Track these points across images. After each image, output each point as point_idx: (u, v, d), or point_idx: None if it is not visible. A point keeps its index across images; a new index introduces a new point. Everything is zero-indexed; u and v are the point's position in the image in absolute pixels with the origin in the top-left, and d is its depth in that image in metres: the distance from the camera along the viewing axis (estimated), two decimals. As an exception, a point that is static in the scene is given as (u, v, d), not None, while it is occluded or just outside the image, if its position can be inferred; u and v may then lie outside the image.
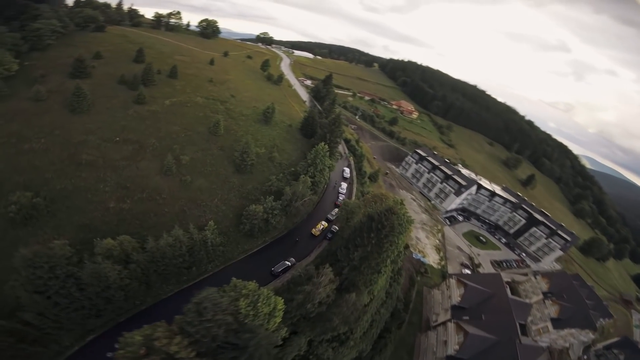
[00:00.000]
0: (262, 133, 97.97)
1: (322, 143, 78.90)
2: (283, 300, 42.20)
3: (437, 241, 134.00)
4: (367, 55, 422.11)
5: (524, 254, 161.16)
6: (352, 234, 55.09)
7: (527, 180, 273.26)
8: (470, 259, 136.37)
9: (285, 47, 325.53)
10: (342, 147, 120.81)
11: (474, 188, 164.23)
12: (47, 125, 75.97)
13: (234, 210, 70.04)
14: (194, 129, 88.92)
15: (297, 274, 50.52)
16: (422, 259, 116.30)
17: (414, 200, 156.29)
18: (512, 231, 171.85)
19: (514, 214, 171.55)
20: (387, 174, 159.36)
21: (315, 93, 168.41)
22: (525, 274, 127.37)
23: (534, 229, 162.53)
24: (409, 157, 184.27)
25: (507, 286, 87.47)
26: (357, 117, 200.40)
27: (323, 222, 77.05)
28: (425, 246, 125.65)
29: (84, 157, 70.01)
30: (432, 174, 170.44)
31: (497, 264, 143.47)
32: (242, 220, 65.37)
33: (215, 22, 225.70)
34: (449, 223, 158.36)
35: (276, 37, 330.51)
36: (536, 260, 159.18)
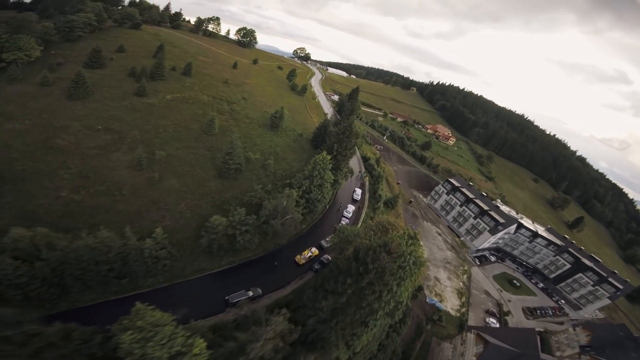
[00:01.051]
0: (263, 138, 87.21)
1: (324, 153, 65.36)
2: (206, 344, 28.88)
3: (461, 284, 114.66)
4: (406, 79, 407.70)
5: (562, 301, 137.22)
6: (329, 273, 40.78)
7: (575, 223, 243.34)
8: (499, 305, 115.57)
9: (321, 64, 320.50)
10: (357, 164, 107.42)
11: (513, 227, 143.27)
12: (39, 109, 75.23)
13: (201, 219, 58.17)
14: (186, 125, 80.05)
15: (244, 314, 36.74)
16: (437, 304, 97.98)
17: (440, 234, 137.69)
18: (552, 276, 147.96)
19: (558, 257, 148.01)
20: (410, 202, 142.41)
21: (339, 107, 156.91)
22: (562, 323, 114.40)
23: (580, 275, 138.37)
24: (440, 186, 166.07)
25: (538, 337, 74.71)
26: (385, 137, 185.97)
27: (313, 249, 63.33)
28: (445, 289, 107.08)
29: (58, 141, 66.39)
30: (465, 207, 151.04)
31: (529, 311, 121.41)
32: (202, 232, 52.90)
33: (253, 31, 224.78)
34: (478, 263, 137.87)
35: (318, 57, 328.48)
36: (576, 308, 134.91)
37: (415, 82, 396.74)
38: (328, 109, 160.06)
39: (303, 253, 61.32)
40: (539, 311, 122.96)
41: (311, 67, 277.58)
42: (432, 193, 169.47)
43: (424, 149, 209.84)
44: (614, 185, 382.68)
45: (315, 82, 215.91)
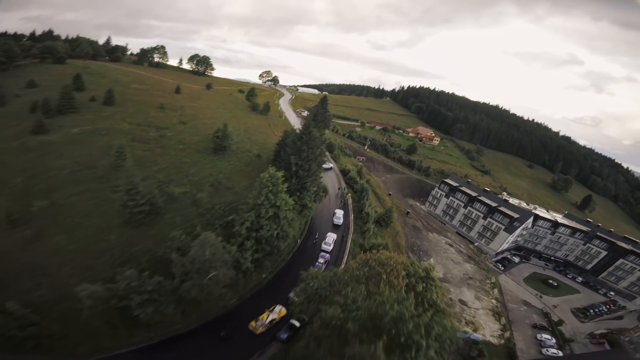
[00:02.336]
0: (201, 166, 65.82)
1: (272, 169, 43.67)
2: None
3: (494, 301, 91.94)
4: (378, 89, 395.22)
5: (611, 293, 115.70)
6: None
7: (584, 203, 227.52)
8: (546, 315, 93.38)
9: (292, 86, 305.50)
10: (336, 180, 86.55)
11: (529, 221, 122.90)
12: None
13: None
14: (91, 162, 58.48)
15: None
16: (472, 336, 74.93)
17: (451, 245, 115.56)
18: (589, 267, 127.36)
19: (589, 245, 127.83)
20: (408, 213, 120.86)
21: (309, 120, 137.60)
22: (621, 318, 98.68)
23: (622, 260, 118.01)
24: (436, 189, 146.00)
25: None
26: (366, 147, 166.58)
27: (277, 309, 40.00)
28: (476, 313, 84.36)
29: None
30: (470, 208, 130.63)
31: (581, 313, 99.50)
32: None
33: (207, 58, 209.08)
34: (502, 268, 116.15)
35: (292, 82, 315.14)
36: (630, 297, 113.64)
37: (387, 91, 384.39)
38: (298, 125, 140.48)
39: (261, 317, 38.20)
40: (591, 310, 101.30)
41: (280, 89, 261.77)
42: (430, 199, 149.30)
43: (410, 153, 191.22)
44: (607, 158, 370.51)
45: (283, 102, 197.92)
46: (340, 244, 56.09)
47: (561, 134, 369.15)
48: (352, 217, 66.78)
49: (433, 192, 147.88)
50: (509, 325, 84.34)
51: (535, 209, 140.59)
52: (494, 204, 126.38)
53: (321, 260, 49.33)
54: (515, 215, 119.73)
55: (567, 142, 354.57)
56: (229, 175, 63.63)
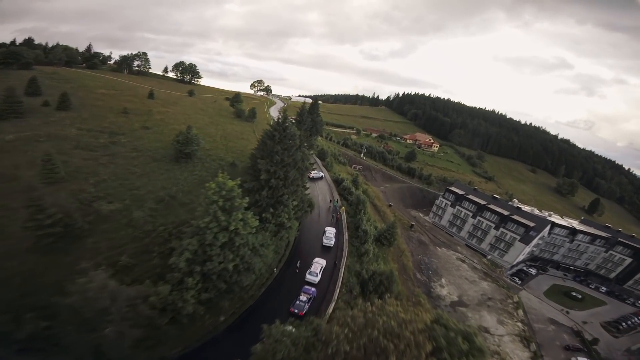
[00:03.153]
0: (151, 177, 53.48)
1: (221, 175, 31.26)
2: None
3: (519, 324, 78.81)
4: (373, 98, 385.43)
5: None
6: None
7: (592, 207, 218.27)
8: (577, 334, 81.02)
9: (285, 95, 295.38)
10: (328, 192, 74.04)
11: (546, 229, 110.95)
12: None
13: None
14: (12, 174, 45.42)
15: None
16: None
17: (463, 260, 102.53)
18: (612, 275, 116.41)
19: (612, 252, 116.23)
20: (412, 226, 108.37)
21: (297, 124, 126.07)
22: None
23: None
24: (440, 199, 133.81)
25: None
26: (362, 154, 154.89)
27: None
28: (500, 340, 71.31)
29: None
30: (479, 218, 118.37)
31: (612, 327, 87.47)
32: None
33: (193, 66, 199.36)
34: (519, 282, 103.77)
35: (288, 94, 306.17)
36: None
37: (382, 100, 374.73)
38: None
39: None
40: (623, 323, 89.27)
41: (272, 98, 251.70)
42: (434, 209, 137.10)
43: (409, 161, 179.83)
44: (607, 159, 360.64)
45: (274, 110, 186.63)
46: (331, 272, 43.09)
47: (559, 137, 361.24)
48: (346, 235, 54.06)
49: (437, 202, 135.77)
50: (540, 351, 71.57)
51: (550, 215, 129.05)
52: (505, 213, 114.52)
53: (303, 297, 35.73)
54: (531, 224, 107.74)
55: (567, 145, 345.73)
56: (190, 187, 51.09)
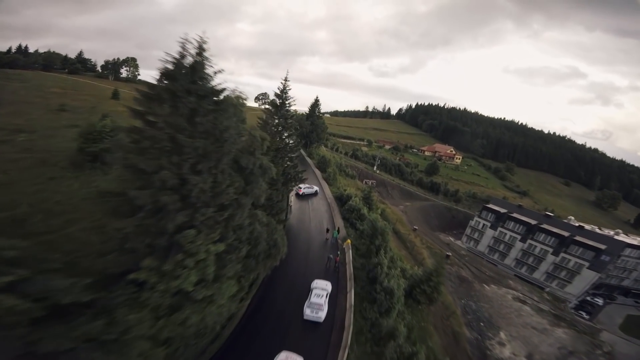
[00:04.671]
0: (19, 186, 29.87)
1: None
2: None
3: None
4: (384, 112, 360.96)
5: None
6: None
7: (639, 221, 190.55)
8: None
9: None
10: (325, 216, 48.14)
11: (627, 251, 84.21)
12: None
13: None
14: None
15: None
16: None
17: (524, 301, 74.08)
18: None
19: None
20: (448, 257, 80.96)
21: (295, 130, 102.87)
22: None
23: None
24: (476, 219, 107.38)
25: None
26: (375, 167, 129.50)
27: None
28: None
29: None
30: (531, 241, 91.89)
31: None
32: None
33: None
34: (585, 316, 76.21)
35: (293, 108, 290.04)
36: None
37: (393, 115, 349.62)
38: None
39: None
40: None
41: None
42: (468, 231, 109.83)
43: (430, 175, 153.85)
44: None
45: None
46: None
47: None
48: (351, 297, 27.96)
49: (472, 223, 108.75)
50: None
51: (617, 234, 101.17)
52: (566, 233, 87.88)
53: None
54: (602, 246, 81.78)
55: (597, 155, 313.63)
56: (66, 206, 26.89)
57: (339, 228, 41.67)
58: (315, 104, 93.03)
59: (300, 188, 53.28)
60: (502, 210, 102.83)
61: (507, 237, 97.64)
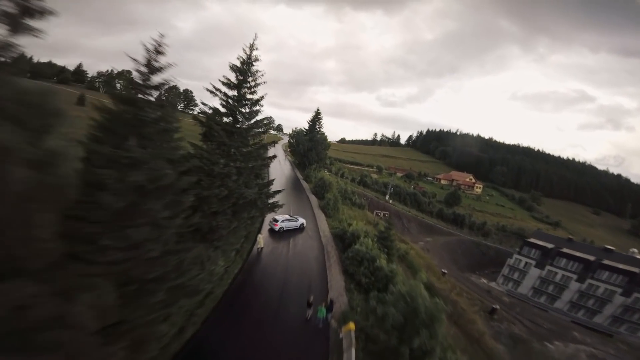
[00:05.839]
0: None
1: None
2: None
3: None
4: (393, 139, 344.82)
5: None
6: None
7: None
8: None
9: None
10: (314, 271, 29.59)
11: None
12: None
13: None
14: None
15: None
16: None
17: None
18: None
19: None
20: (494, 311, 60.35)
21: (292, 148, 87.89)
22: None
23: None
24: (517, 256, 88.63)
25: None
26: (387, 196, 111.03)
27: None
28: None
29: None
30: (592, 280, 73.97)
31: None
32: None
33: (189, 91, 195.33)
34: None
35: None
36: None
37: (402, 144, 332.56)
38: (281, 163, 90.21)
39: None
40: None
41: (282, 135, 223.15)
42: (506, 271, 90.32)
43: (451, 205, 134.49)
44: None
45: (278, 145, 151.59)
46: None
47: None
48: None
49: (511, 261, 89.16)
50: None
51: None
52: (636, 270, 69.97)
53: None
54: None
55: (623, 181, 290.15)
56: None
57: (331, 300, 22.65)
58: (317, 117, 77.20)
59: (276, 222, 36.08)
60: (549, 246, 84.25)
61: (559, 277, 79.16)
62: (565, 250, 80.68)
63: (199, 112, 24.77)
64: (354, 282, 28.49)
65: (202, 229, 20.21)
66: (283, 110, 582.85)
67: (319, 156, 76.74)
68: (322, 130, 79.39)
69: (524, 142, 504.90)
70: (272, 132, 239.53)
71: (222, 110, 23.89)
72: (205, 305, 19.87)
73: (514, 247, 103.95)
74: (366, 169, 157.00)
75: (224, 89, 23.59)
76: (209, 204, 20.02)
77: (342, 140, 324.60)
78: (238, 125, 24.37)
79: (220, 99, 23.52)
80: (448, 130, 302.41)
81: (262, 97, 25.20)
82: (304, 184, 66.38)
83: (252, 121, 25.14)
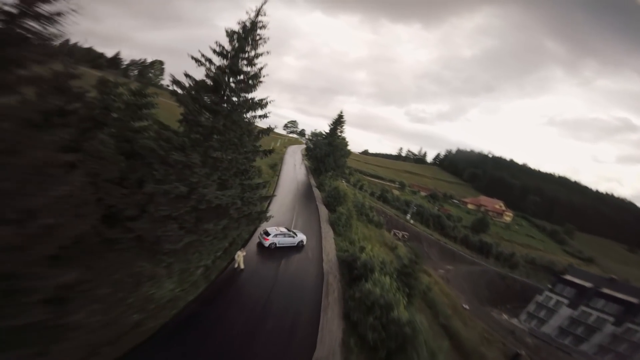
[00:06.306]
0: None
1: None
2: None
3: None
4: (417, 157, 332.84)
5: None
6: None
7: None
8: None
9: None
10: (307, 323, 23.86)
11: None
12: None
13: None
14: None
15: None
16: None
17: None
18: None
19: None
20: (518, 356, 52.44)
21: (308, 152, 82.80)
22: None
23: None
24: (547, 294, 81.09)
25: None
26: (408, 216, 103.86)
27: None
28: None
29: None
30: (632, 325, 67.16)
31: None
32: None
33: None
34: None
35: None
36: None
37: (428, 162, 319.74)
38: (296, 168, 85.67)
39: None
40: None
41: (303, 140, 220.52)
42: (532, 308, 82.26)
43: (478, 232, 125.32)
44: None
45: (298, 148, 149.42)
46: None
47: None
48: None
49: (540, 299, 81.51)
50: None
51: None
52: None
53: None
54: None
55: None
56: None
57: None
58: (339, 121, 71.80)
59: (267, 235, 29.39)
60: (587, 285, 76.19)
61: (593, 318, 71.50)
62: (606, 291, 72.42)
63: (174, 86, 19.57)
64: (355, 335, 21.02)
65: (146, 238, 15.01)
66: (309, 117, 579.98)
67: (336, 163, 70.87)
68: (343, 135, 73.76)
69: (559, 171, 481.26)
70: (295, 135, 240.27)
71: (207, 82, 18.97)
72: (124, 341, 14.03)
73: (543, 281, 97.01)
74: (388, 183, 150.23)
75: (216, 59, 18.83)
76: (156, 204, 14.84)
77: (365, 152, 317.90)
78: (226, 105, 19.27)
79: (207, 69, 18.59)
80: (479, 152, 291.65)
81: (262, 69, 20.23)
82: (316, 192, 60.68)
83: (245, 103, 20.11)
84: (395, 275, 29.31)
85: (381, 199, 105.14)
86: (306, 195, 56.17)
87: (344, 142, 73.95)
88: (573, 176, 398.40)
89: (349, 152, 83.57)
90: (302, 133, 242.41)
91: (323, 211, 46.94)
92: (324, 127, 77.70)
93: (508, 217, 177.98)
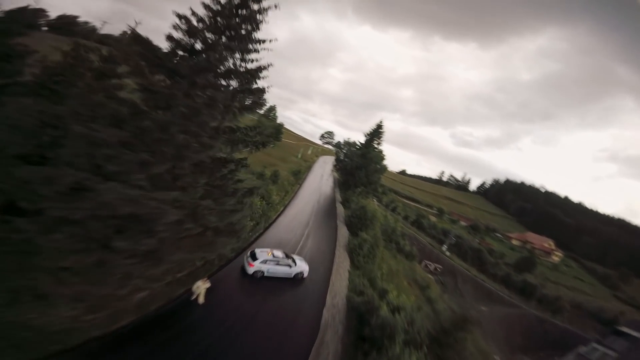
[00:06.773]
0: None
1: None
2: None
3: None
4: (459, 184, 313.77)
5: None
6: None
7: None
8: None
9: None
10: None
11: None
12: None
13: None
14: None
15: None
16: None
17: None
18: None
19: None
20: None
21: (338, 163, 76.83)
22: None
23: None
24: (594, 345, 69.96)
25: None
26: (445, 246, 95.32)
27: None
28: None
29: None
30: None
31: None
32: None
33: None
34: None
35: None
36: None
37: (471, 191, 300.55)
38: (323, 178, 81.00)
39: None
40: None
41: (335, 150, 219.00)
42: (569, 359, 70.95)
43: (522, 271, 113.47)
44: None
45: (329, 159, 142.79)
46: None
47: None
48: None
49: (583, 350, 69.98)
50: None
51: None
52: None
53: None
54: None
55: None
56: None
57: None
58: (377, 132, 65.91)
59: (254, 260, 22.93)
60: None
61: None
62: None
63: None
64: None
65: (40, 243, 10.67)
66: (348, 130, 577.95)
67: (369, 178, 64.37)
68: (380, 147, 67.53)
69: (614, 211, 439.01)
70: (330, 147, 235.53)
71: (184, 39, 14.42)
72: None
73: (587, 330, 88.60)
74: (425, 208, 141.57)
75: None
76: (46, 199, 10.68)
77: (403, 172, 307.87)
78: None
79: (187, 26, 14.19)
80: (530, 184, 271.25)
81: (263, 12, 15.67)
82: (340, 208, 55.08)
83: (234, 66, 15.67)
84: (427, 342, 20.88)
85: (415, 224, 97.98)
86: (326, 211, 50.54)
87: (379, 156, 67.61)
88: (631, 218, 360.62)
89: (385, 168, 76.24)
90: (337, 145, 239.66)
91: (343, 233, 41.40)
92: (360, 139, 71.87)
93: (557, 257, 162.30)
